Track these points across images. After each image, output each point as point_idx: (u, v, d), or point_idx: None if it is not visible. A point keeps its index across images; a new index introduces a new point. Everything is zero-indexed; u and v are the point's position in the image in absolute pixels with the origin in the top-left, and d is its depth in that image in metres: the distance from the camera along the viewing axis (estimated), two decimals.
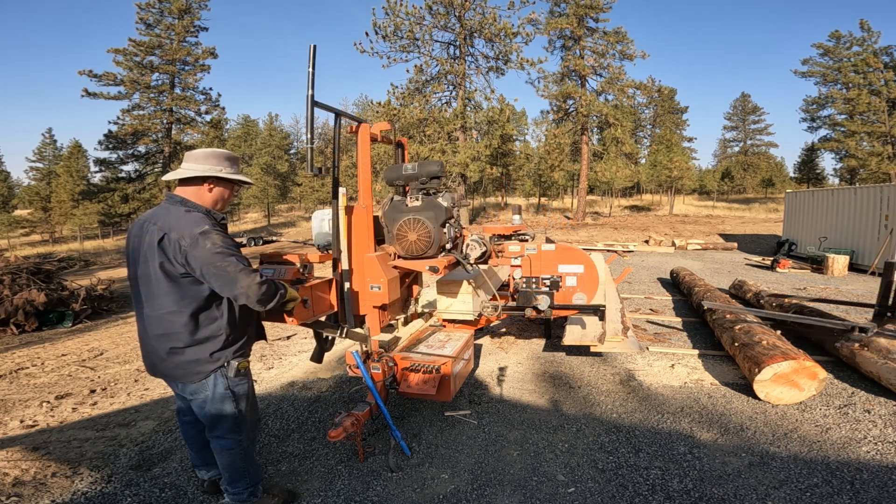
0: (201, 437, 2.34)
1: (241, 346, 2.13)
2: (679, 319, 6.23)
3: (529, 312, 3.90)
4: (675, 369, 4.28)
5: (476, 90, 24.18)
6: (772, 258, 12.36)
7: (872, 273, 10.38)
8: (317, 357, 3.06)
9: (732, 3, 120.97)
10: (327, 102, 2.62)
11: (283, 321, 2.30)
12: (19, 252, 20.64)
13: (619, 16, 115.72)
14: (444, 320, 3.98)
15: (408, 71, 26.88)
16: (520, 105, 63.14)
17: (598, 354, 4.59)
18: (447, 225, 3.30)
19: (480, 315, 3.93)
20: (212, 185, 2.07)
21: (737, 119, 58.95)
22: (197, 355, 2.00)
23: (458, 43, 23.61)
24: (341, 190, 2.75)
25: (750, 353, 3.72)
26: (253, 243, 26.37)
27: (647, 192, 53.94)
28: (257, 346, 5.46)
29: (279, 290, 2.05)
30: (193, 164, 2.04)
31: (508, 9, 23.02)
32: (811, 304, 5.52)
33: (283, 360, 4.90)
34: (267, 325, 2.48)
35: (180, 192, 2.06)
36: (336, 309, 2.86)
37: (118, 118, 26.53)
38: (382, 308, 3.08)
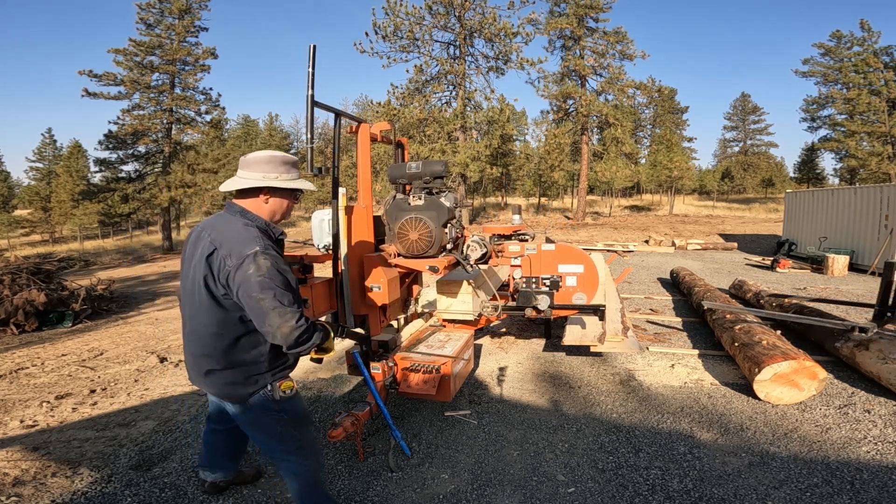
0: (223, 445, 2.32)
1: (280, 368, 1.94)
2: (679, 319, 6.23)
3: (529, 312, 3.90)
4: (675, 369, 4.28)
5: (476, 90, 24.21)
6: (772, 258, 12.36)
7: (872, 273, 10.38)
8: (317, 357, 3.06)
9: (732, 3, 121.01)
10: (327, 102, 2.62)
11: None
12: (19, 252, 20.65)
13: (619, 16, 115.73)
14: (444, 320, 3.98)
15: (408, 71, 26.91)
16: (520, 105, 63.19)
17: (598, 354, 4.58)
18: (449, 225, 3.30)
19: (480, 315, 3.93)
20: (268, 196, 1.88)
21: (737, 119, 58.96)
22: (234, 378, 1.85)
23: (458, 43, 23.62)
24: (341, 190, 2.75)
25: (750, 353, 3.72)
26: None
27: (647, 192, 53.94)
28: None
29: (315, 336, 1.81)
30: (247, 171, 1.85)
31: (508, 9, 23.03)
32: (811, 304, 5.52)
33: None
34: None
35: (240, 201, 1.89)
36: (336, 309, 2.86)
37: (118, 118, 26.50)
38: (382, 308, 3.08)
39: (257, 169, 1.84)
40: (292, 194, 1.95)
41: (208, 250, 1.75)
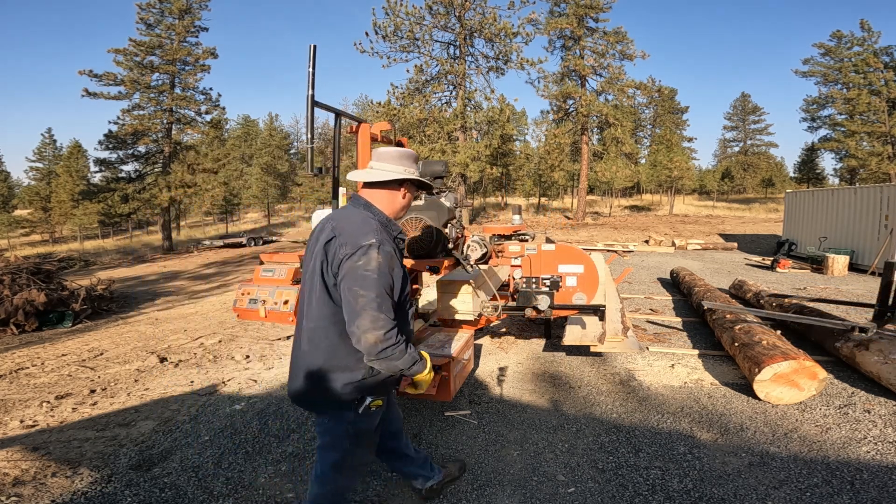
0: (388, 454, 2.21)
1: (380, 384, 1.77)
2: (679, 319, 6.23)
3: (529, 312, 3.90)
4: (675, 369, 4.28)
5: (476, 90, 24.23)
6: (772, 258, 12.37)
7: (872, 273, 10.38)
8: None
9: (732, 3, 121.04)
10: (327, 102, 2.62)
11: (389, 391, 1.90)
12: (19, 252, 20.66)
13: (619, 16, 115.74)
14: (444, 320, 3.97)
15: (408, 71, 26.90)
16: (520, 105, 63.19)
17: (598, 354, 4.58)
18: (449, 225, 3.30)
19: (480, 315, 3.93)
20: (406, 190, 1.85)
21: (737, 119, 58.98)
22: (330, 382, 1.70)
23: (458, 43, 23.63)
24: (341, 190, 2.76)
25: (750, 353, 3.73)
26: (253, 243, 26.39)
27: (647, 192, 53.96)
28: (257, 346, 5.46)
29: (406, 359, 1.65)
30: (389, 164, 1.81)
31: (508, 9, 23.05)
32: (811, 304, 5.52)
33: (284, 360, 4.90)
34: (266, 324, 2.48)
35: (366, 194, 1.83)
36: None
37: (118, 118, 26.52)
38: None
39: (398, 163, 1.82)
40: (415, 189, 1.95)
41: (328, 237, 1.69)
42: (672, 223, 26.90)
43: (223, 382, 4.29)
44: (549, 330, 5.34)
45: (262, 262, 2.66)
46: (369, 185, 1.83)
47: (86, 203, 31.92)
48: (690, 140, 54.00)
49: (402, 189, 1.84)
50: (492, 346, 5.08)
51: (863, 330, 3.99)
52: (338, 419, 1.77)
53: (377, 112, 23.08)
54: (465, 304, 3.82)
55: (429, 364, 1.80)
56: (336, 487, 1.89)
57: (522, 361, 4.55)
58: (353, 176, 1.87)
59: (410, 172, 1.83)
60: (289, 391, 1.82)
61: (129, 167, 28.12)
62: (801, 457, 2.74)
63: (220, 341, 5.78)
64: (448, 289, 3.86)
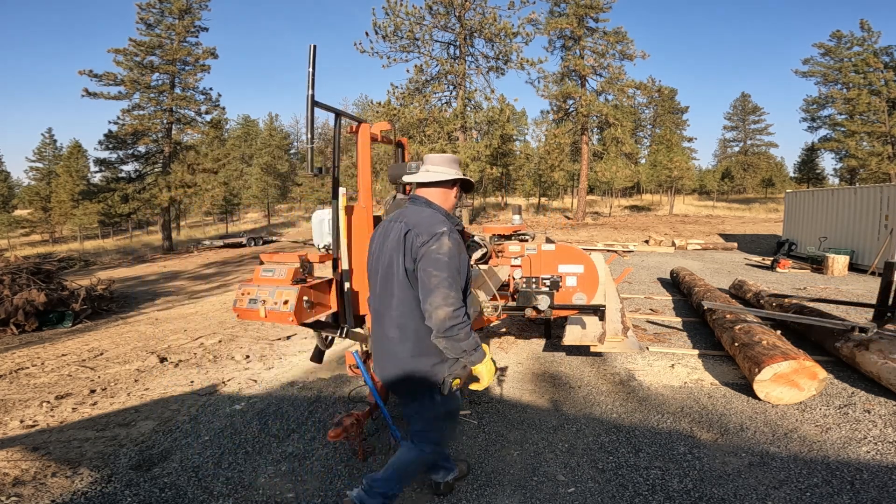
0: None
1: (455, 364, 1.94)
2: (679, 319, 6.23)
3: (529, 312, 3.89)
4: (675, 369, 4.28)
5: (476, 90, 24.23)
6: (772, 258, 12.36)
7: (872, 273, 10.38)
8: (317, 357, 3.06)
9: (732, 3, 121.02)
10: (327, 102, 2.62)
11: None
12: (19, 252, 20.66)
13: (619, 16, 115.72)
14: None
15: (408, 71, 26.91)
16: (520, 105, 63.19)
17: (598, 354, 4.58)
18: None
19: (481, 315, 3.93)
20: (457, 189, 2.12)
21: (737, 119, 58.97)
22: (419, 366, 1.91)
23: (458, 43, 23.62)
24: (341, 190, 2.75)
25: (750, 353, 3.72)
26: (253, 243, 26.39)
27: (647, 192, 53.94)
28: (257, 346, 5.47)
29: (469, 341, 1.81)
30: (442, 166, 2.07)
31: (508, 9, 23.04)
32: (811, 304, 5.52)
33: (283, 360, 4.90)
34: (266, 324, 2.48)
35: (423, 193, 2.06)
36: (336, 309, 2.86)
37: (118, 118, 26.52)
38: None
39: (449, 166, 2.08)
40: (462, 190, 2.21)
41: (404, 230, 1.89)
42: (672, 223, 26.91)
43: (223, 382, 4.29)
44: (549, 330, 5.34)
45: (262, 262, 2.65)
46: (424, 185, 2.07)
47: (86, 203, 31.92)
48: (690, 140, 54.04)
49: (455, 188, 2.11)
50: (492, 346, 5.08)
51: (863, 330, 3.98)
52: (430, 404, 1.98)
53: (377, 112, 23.08)
54: None
55: (489, 355, 1.94)
56: (423, 461, 2.16)
57: (522, 361, 4.55)
58: (410, 178, 2.12)
59: (460, 174, 2.09)
60: (381, 378, 2.05)
61: (129, 167, 28.14)
62: (801, 457, 2.74)
63: (220, 341, 5.78)
64: None
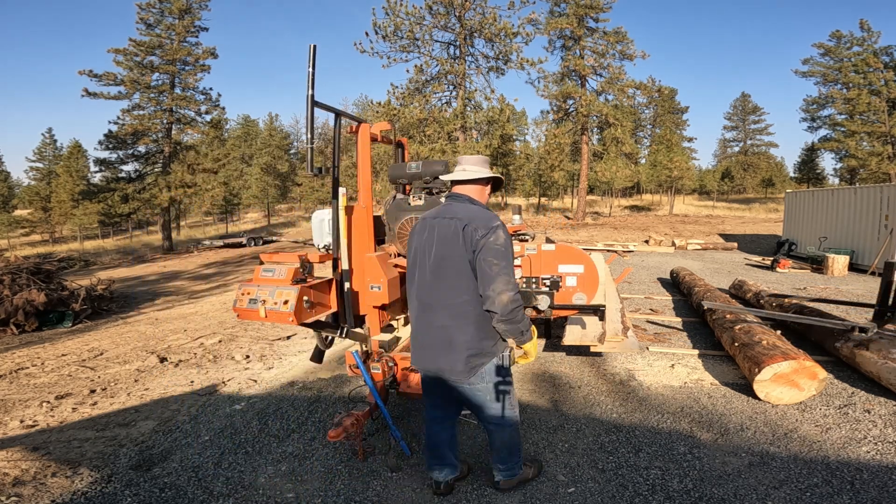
0: (448, 438, 2.38)
1: (503, 340, 2.20)
2: (679, 319, 6.23)
3: (529, 312, 3.89)
4: (675, 369, 4.28)
5: (476, 90, 24.20)
6: (772, 258, 12.36)
7: (872, 273, 10.38)
8: (317, 357, 3.06)
9: (732, 3, 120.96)
10: (327, 102, 2.62)
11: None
12: (19, 252, 20.66)
13: (619, 16, 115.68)
14: None
15: (408, 71, 26.90)
16: (520, 105, 63.17)
17: (598, 354, 4.58)
18: None
19: None
20: (489, 186, 2.31)
21: (737, 119, 58.95)
22: (484, 347, 2.10)
23: (458, 43, 23.61)
24: (341, 190, 2.75)
25: (750, 353, 3.72)
26: (253, 243, 26.38)
27: (647, 192, 53.93)
28: (257, 346, 5.47)
29: (525, 321, 2.08)
30: (477, 166, 2.25)
31: (508, 9, 23.02)
32: (811, 304, 5.52)
33: (283, 360, 4.90)
34: (266, 325, 2.48)
35: (461, 190, 2.24)
36: (336, 309, 2.86)
37: (118, 118, 26.51)
38: (382, 308, 3.08)
39: (483, 165, 2.27)
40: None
41: (461, 226, 2.05)
42: (672, 223, 26.90)
43: (223, 382, 4.29)
44: (549, 330, 5.34)
45: (262, 262, 2.65)
46: (460, 183, 2.25)
47: (86, 203, 31.93)
48: (690, 140, 54.00)
49: (488, 185, 2.30)
50: None
51: (863, 330, 3.98)
52: (497, 379, 2.18)
53: (377, 112, 23.06)
54: None
55: (535, 332, 2.19)
56: (517, 425, 2.33)
57: None
58: (451, 176, 2.27)
59: (491, 172, 2.28)
60: (430, 367, 2.19)
61: (129, 167, 28.12)
62: (801, 457, 2.74)
63: (220, 341, 5.78)
64: None
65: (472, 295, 2.05)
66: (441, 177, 2.36)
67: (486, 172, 2.25)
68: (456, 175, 2.25)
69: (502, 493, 2.45)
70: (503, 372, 2.19)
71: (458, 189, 2.27)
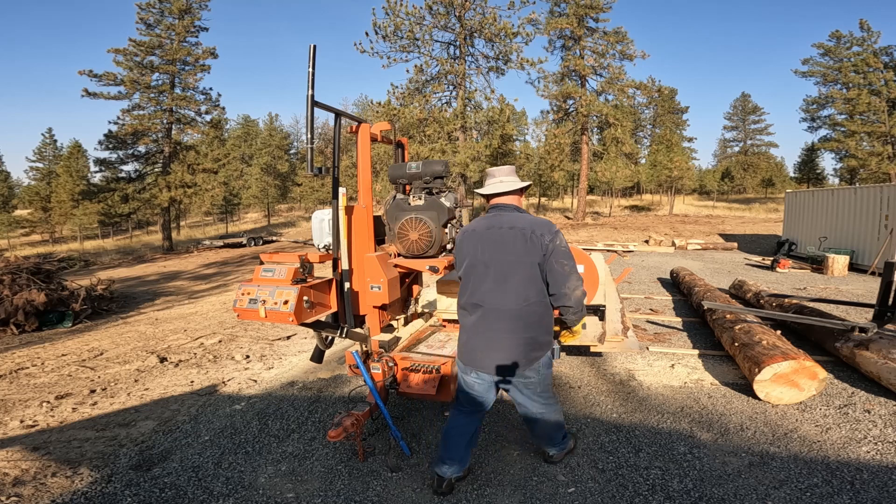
0: (469, 435, 2.46)
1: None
2: (679, 319, 6.23)
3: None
4: (675, 369, 4.28)
5: (476, 90, 24.17)
6: (772, 258, 12.36)
7: (872, 273, 10.38)
8: (317, 357, 3.06)
9: (732, 3, 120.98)
10: (327, 102, 2.62)
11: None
12: (19, 252, 20.65)
13: (619, 16, 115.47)
14: (444, 320, 3.97)
15: (408, 71, 26.90)
16: (520, 105, 63.07)
17: (598, 354, 4.58)
18: (449, 225, 3.29)
19: None
20: (524, 195, 2.50)
21: (737, 119, 58.93)
22: (541, 343, 2.29)
23: (458, 43, 23.60)
24: (341, 190, 2.75)
25: (750, 353, 3.72)
26: (253, 243, 26.38)
27: (647, 192, 53.92)
28: (257, 346, 5.47)
29: (584, 312, 2.34)
30: (512, 177, 2.43)
31: (508, 9, 23.00)
32: (811, 304, 5.52)
33: (283, 360, 4.90)
34: (266, 324, 2.48)
35: (504, 200, 2.40)
36: (336, 309, 2.86)
37: (118, 118, 26.50)
38: (382, 308, 3.08)
39: (515, 175, 2.45)
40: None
41: (526, 233, 2.22)
42: (672, 223, 26.89)
43: (223, 382, 4.29)
44: None
45: (262, 262, 2.65)
46: (500, 195, 2.40)
47: (86, 203, 31.91)
48: (690, 140, 53.94)
49: (524, 194, 2.48)
50: None
51: (863, 330, 3.98)
52: (548, 369, 2.39)
53: (377, 112, 23.05)
54: None
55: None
56: (559, 405, 2.59)
57: None
58: (490, 189, 2.41)
59: (522, 181, 2.46)
60: (493, 366, 2.29)
61: (129, 167, 28.12)
62: (801, 457, 2.74)
63: (220, 341, 5.78)
64: (448, 289, 3.86)
65: (538, 296, 2.23)
66: (480, 191, 2.44)
67: (521, 182, 2.42)
68: (495, 188, 2.39)
69: (502, 493, 2.45)
70: (551, 362, 2.42)
71: (498, 200, 2.41)
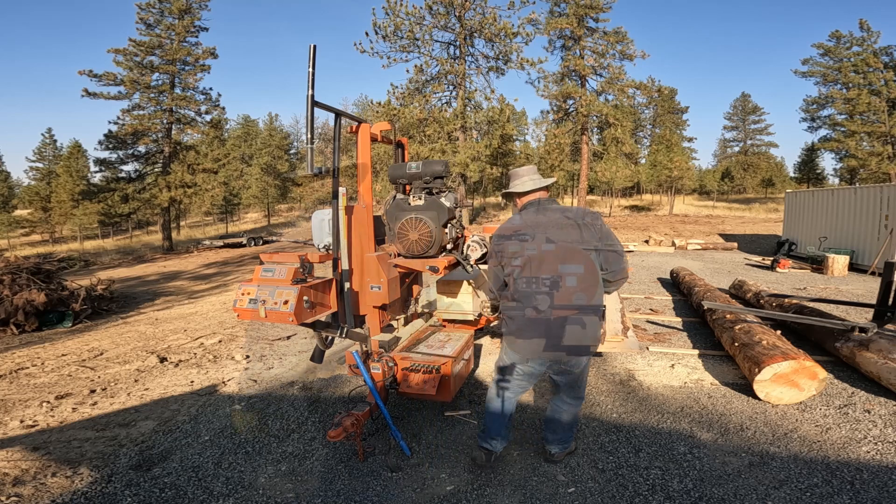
0: (512, 412, 2.63)
1: None
2: (679, 319, 6.23)
3: (530, 313, 3.89)
4: (675, 369, 4.28)
5: (476, 90, 24.21)
6: (772, 258, 12.35)
7: (872, 273, 10.37)
8: (317, 357, 3.06)
9: (732, 3, 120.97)
10: (327, 102, 2.62)
11: None
12: (19, 252, 20.65)
13: (619, 16, 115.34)
14: (444, 320, 3.98)
15: (408, 71, 26.92)
16: (520, 105, 63.12)
17: (598, 354, 4.58)
18: (449, 225, 3.29)
19: (480, 315, 3.93)
20: (547, 192, 2.58)
21: (737, 119, 58.92)
22: (598, 326, 2.40)
23: (458, 43, 23.62)
24: (341, 190, 2.75)
25: (750, 353, 3.72)
26: (253, 243, 26.38)
27: (647, 192, 53.91)
28: (257, 346, 5.47)
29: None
30: (538, 174, 2.56)
31: (508, 9, 23.03)
32: (811, 304, 5.51)
33: (284, 360, 4.90)
34: (266, 325, 2.48)
35: (538, 196, 2.52)
36: (336, 309, 2.86)
37: (118, 118, 26.50)
38: (382, 308, 3.08)
39: (538, 173, 2.58)
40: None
41: (579, 222, 2.35)
42: (672, 223, 26.89)
43: (223, 382, 4.29)
44: None
45: (262, 262, 2.65)
46: (534, 190, 2.52)
47: (86, 203, 31.91)
48: (690, 140, 53.93)
49: (547, 191, 2.57)
50: (492, 346, 5.07)
51: (863, 330, 3.98)
52: (583, 360, 2.49)
53: (377, 112, 23.06)
54: (465, 304, 3.82)
55: None
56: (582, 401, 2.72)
57: None
58: (522, 187, 2.51)
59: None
60: (554, 353, 2.40)
61: (129, 167, 28.12)
62: (801, 457, 2.74)
63: (220, 341, 5.78)
64: (448, 289, 3.87)
65: (596, 280, 2.36)
66: (515, 189, 2.53)
67: (546, 180, 2.54)
68: (527, 185, 2.51)
69: (502, 493, 2.45)
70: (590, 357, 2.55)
71: (533, 196, 2.53)
